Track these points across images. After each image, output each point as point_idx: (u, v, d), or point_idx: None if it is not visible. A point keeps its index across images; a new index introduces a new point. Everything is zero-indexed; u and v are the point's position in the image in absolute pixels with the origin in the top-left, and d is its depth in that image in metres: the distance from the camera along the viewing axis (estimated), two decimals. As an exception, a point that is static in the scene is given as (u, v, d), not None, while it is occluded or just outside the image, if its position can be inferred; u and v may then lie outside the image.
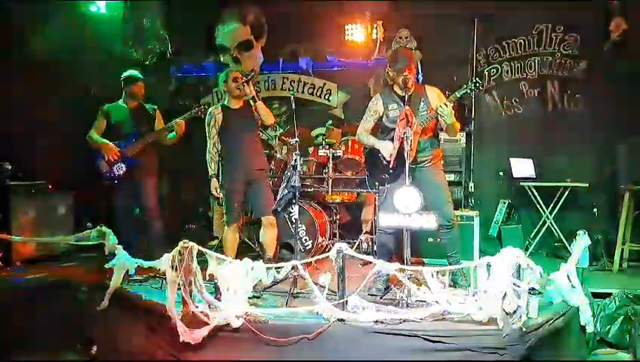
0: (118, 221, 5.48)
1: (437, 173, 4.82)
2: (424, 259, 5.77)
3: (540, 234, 6.50)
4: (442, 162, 5.00)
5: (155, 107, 5.83)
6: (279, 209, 4.86)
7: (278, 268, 3.91)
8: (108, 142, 5.49)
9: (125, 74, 5.64)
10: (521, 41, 7.23)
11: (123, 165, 5.48)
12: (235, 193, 5.16)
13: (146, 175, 5.60)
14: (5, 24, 6.42)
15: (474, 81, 4.62)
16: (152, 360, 4.11)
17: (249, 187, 5.20)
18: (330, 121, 7.30)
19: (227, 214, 5.22)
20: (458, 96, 4.60)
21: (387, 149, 4.63)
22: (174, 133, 5.55)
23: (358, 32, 7.32)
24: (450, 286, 4.44)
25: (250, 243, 6.43)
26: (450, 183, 6.36)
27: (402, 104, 4.58)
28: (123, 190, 5.57)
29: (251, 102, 5.18)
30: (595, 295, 4.52)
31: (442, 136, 6.32)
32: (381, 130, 4.87)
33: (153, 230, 5.57)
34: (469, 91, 4.65)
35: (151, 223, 5.57)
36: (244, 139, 5.21)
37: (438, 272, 3.76)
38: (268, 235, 5.26)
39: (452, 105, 4.54)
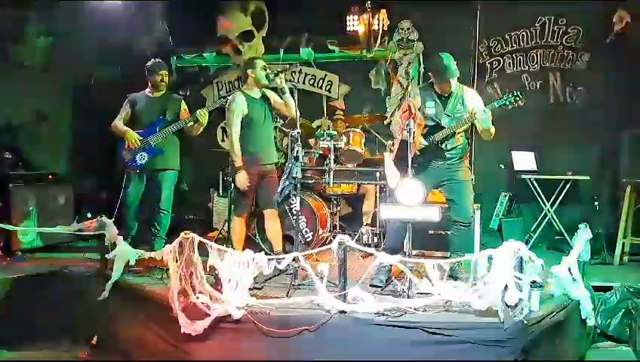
0: (127, 210, 5.47)
1: (464, 170, 4.79)
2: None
3: (541, 227, 6.49)
4: (468, 160, 4.98)
5: (181, 97, 5.77)
6: (280, 200, 4.82)
7: (279, 259, 3.90)
8: (129, 130, 5.43)
9: (148, 63, 5.56)
10: (524, 33, 7.20)
11: (146, 154, 5.41)
12: (250, 185, 5.07)
13: (168, 166, 5.53)
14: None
15: (515, 94, 4.54)
16: (153, 351, 4.12)
17: (261, 179, 5.15)
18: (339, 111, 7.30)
19: (237, 204, 5.20)
20: (496, 106, 4.56)
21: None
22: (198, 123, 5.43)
23: (359, 23, 7.27)
24: (450, 278, 4.44)
25: (250, 234, 6.41)
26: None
27: (440, 103, 4.61)
28: (140, 179, 5.51)
29: (276, 92, 5.15)
30: (596, 288, 4.52)
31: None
32: None
33: (161, 225, 5.50)
34: (507, 104, 4.58)
35: (160, 218, 5.49)
36: (263, 131, 5.15)
37: (439, 264, 3.75)
38: (272, 228, 5.23)
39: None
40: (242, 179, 4.97)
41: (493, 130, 4.61)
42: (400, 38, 7.54)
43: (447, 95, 4.66)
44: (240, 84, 7.96)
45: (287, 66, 5.01)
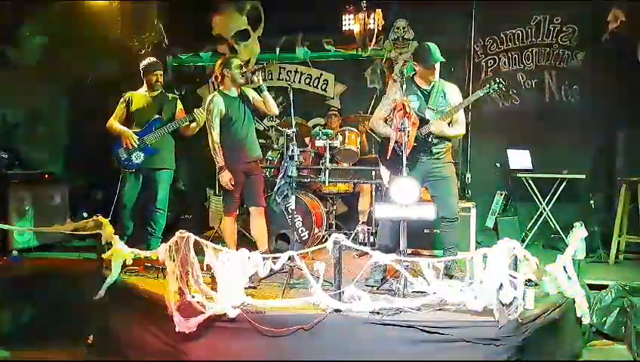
0: (123, 210, 5.46)
1: (448, 166, 4.79)
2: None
3: (537, 225, 6.50)
4: (452, 155, 4.97)
5: (177, 96, 5.76)
6: (278, 200, 4.79)
7: (275, 258, 3.90)
8: (126, 129, 5.41)
9: (144, 62, 5.53)
10: (519, 32, 7.21)
11: (142, 153, 5.39)
12: (235, 183, 5.05)
13: (163, 165, 5.51)
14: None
15: (497, 81, 4.57)
16: (150, 351, 4.12)
17: (246, 177, 5.15)
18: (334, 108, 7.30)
19: (226, 204, 5.18)
20: (481, 95, 4.58)
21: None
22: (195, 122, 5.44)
23: (355, 23, 7.28)
24: (445, 277, 4.44)
25: (245, 232, 6.40)
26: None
27: (422, 97, 4.60)
28: (137, 179, 5.49)
29: (256, 91, 5.13)
30: (592, 286, 4.54)
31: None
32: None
33: (157, 224, 5.49)
34: (491, 92, 4.60)
35: (156, 217, 5.48)
36: (244, 129, 5.12)
37: (434, 263, 3.75)
38: (257, 227, 5.20)
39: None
40: (226, 179, 4.99)
41: (455, 133, 4.68)
42: (395, 37, 7.55)
43: (428, 89, 4.66)
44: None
45: (264, 65, 5.02)
